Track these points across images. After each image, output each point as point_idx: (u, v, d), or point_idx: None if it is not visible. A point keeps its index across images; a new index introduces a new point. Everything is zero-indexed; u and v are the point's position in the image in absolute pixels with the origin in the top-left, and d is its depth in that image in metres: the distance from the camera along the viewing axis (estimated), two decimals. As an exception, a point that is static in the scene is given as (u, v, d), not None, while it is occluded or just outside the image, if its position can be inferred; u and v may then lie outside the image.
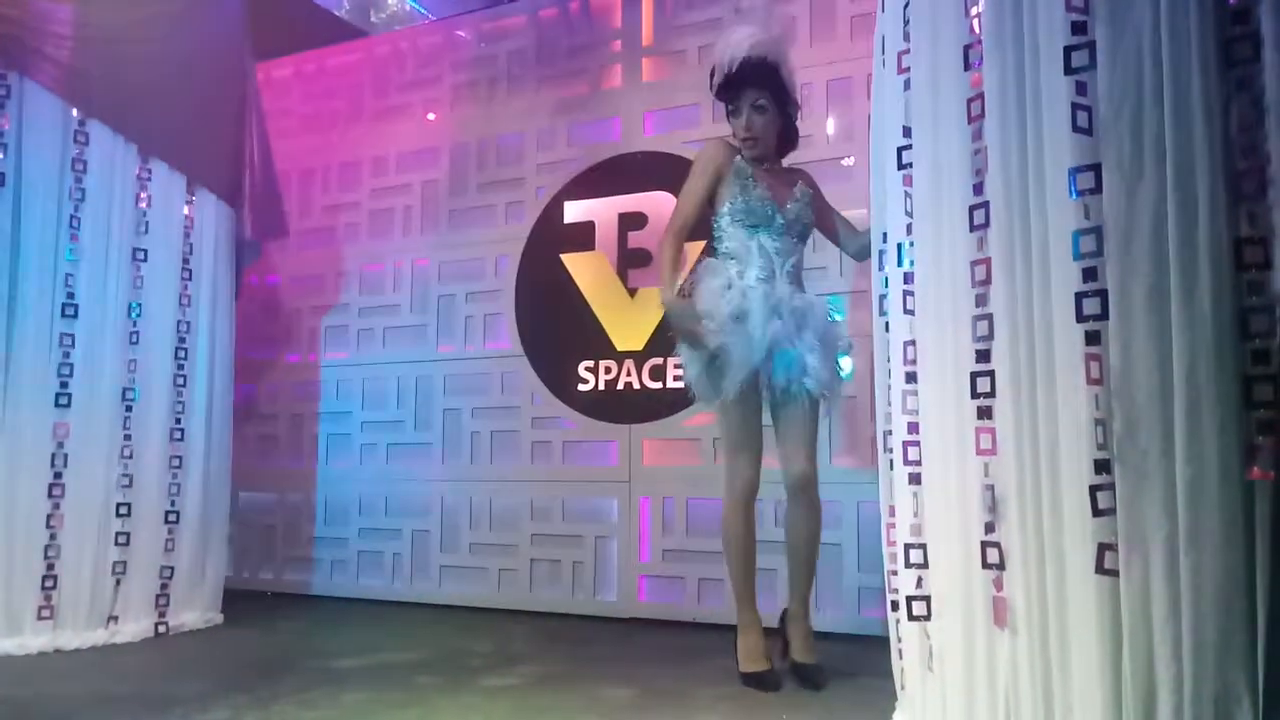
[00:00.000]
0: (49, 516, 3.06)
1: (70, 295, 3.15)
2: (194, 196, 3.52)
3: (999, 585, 1.73)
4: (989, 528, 1.75)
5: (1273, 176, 1.49)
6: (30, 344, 3.07)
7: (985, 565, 1.75)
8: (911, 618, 1.89)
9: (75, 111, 3.21)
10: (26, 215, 3.09)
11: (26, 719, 2.30)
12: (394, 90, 4.44)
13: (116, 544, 3.20)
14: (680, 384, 3.60)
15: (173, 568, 3.38)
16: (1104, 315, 1.59)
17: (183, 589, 3.41)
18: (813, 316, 2.62)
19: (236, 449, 3.78)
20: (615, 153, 3.90)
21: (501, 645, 3.17)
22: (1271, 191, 1.49)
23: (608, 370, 3.81)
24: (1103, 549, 1.57)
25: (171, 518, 3.38)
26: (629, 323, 3.79)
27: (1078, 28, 1.65)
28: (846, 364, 2.77)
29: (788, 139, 2.77)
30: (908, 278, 1.96)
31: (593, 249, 3.90)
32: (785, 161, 2.81)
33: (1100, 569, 1.58)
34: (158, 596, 3.32)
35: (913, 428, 1.92)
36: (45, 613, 3.03)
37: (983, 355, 1.77)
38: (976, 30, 1.83)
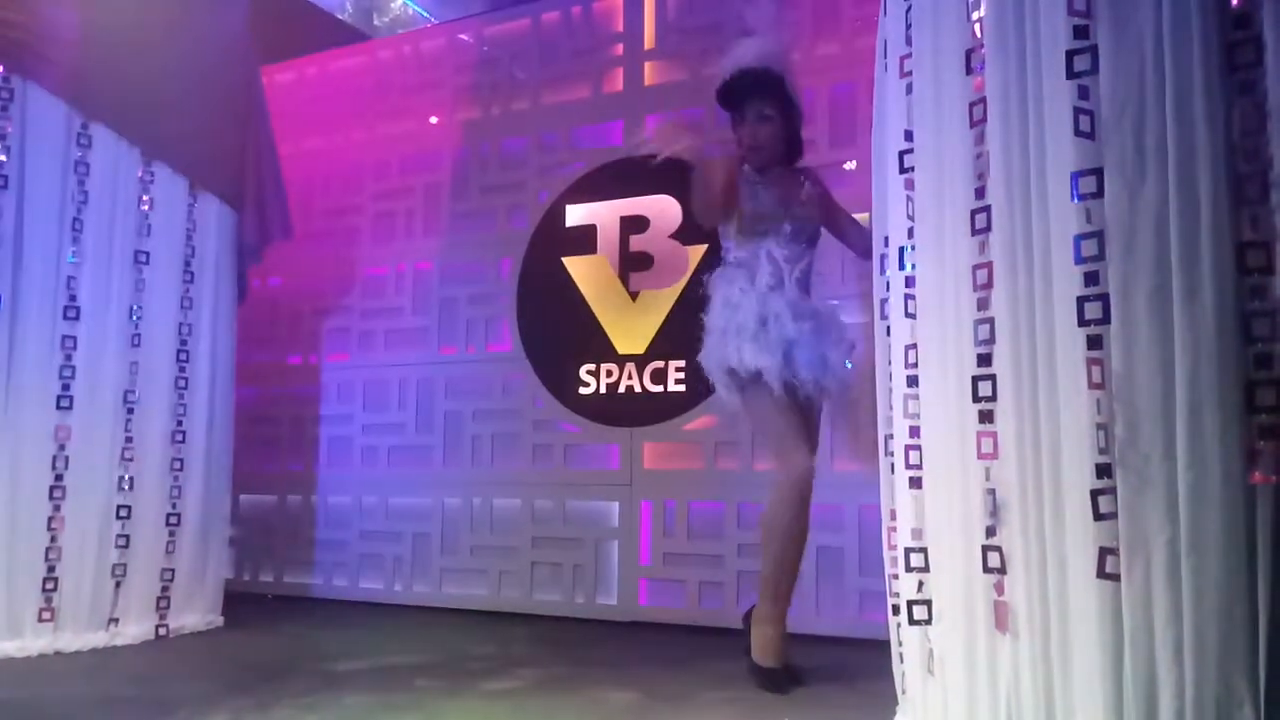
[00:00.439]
0: (50, 519, 3.05)
1: (72, 297, 3.15)
2: (196, 199, 3.52)
3: (1000, 589, 1.73)
4: (990, 532, 1.75)
5: (1275, 180, 1.49)
6: (32, 346, 3.06)
7: (986, 569, 1.75)
8: (912, 622, 1.89)
9: (78, 115, 3.20)
10: (29, 218, 3.08)
11: (27, 721, 2.30)
12: (397, 93, 4.44)
13: (117, 546, 3.20)
14: (681, 387, 3.63)
15: (173, 570, 3.37)
16: (1106, 319, 1.59)
17: (183, 591, 3.41)
18: (820, 320, 2.63)
19: (237, 451, 3.78)
20: (617, 156, 3.90)
21: (502, 648, 3.16)
22: (1274, 195, 1.50)
23: (609, 373, 3.81)
24: (1104, 553, 1.57)
25: (172, 520, 3.38)
26: (630, 326, 3.79)
27: (1080, 31, 1.65)
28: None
29: (793, 148, 2.78)
30: (909, 281, 1.96)
31: (594, 252, 3.90)
32: (790, 165, 2.81)
33: (1102, 573, 1.57)
34: (158, 599, 3.32)
35: (914, 431, 1.92)
36: (46, 615, 3.03)
37: (984, 359, 1.77)
38: (978, 34, 1.83)
